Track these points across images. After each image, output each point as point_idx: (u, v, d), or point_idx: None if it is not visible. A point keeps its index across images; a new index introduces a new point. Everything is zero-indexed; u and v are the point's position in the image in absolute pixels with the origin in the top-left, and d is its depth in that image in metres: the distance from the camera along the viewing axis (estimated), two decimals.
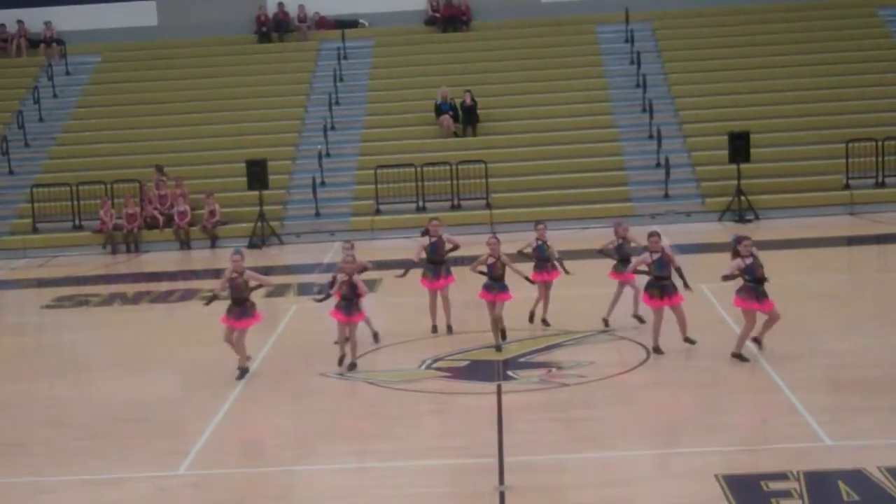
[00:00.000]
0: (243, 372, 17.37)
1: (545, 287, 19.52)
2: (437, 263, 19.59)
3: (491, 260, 18.08)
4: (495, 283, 18.11)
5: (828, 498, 11.61)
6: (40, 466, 13.98)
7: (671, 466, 12.97)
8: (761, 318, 16.94)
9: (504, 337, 18.28)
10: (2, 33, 41.26)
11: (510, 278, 18.21)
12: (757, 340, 17.29)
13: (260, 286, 17.67)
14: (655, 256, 17.35)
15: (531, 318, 19.65)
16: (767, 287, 16.81)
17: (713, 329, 18.53)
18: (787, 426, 13.99)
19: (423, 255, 19.65)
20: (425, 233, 19.82)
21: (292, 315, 20.25)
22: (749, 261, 16.84)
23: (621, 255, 19.12)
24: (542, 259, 19.43)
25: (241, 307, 17.27)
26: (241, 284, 17.26)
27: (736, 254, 16.86)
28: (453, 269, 19.81)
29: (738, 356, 16.88)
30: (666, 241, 18.29)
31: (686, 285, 17.52)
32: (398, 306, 22.19)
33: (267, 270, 24.94)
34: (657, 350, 17.41)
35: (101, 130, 36.89)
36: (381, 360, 18.30)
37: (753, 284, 16.75)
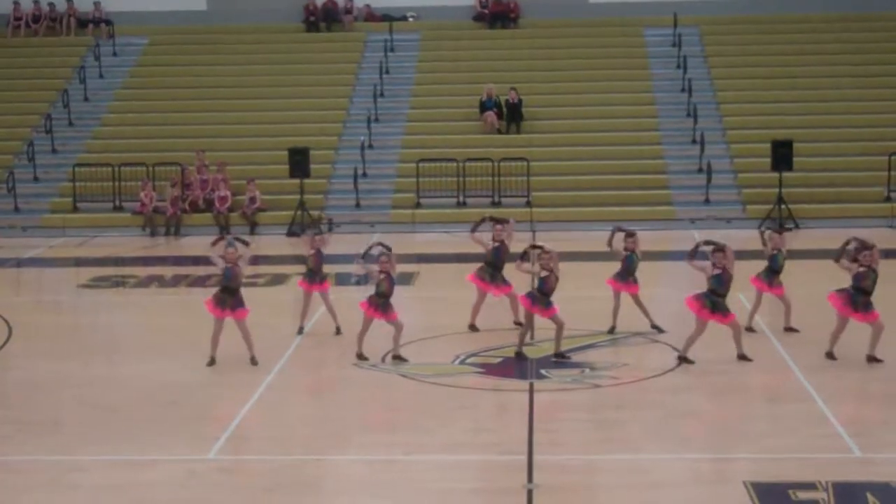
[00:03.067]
0: (253, 359, 17.54)
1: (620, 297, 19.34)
2: (497, 268, 19.51)
3: (544, 273, 17.60)
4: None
5: None
6: (72, 445, 14.10)
7: (700, 471, 12.97)
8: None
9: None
10: (52, 12, 41.49)
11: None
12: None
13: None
14: (717, 272, 17.11)
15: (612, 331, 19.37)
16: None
17: (747, 337, 18.45)
18: (817, 436, 13.97)
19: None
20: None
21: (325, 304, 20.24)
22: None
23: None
24: (627, 271, 19.14)
25: (235, 297, 17.47)
26: (239, 274, 17.48)
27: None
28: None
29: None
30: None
31: None
32: (434, 300, 22.24)
33: (302, 259, 25.05)
34: (684, 359, 17.35)
35: (145, 112, 37.04)
36: (415, 354, 18.33)
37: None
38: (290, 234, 30.81)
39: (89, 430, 14.66)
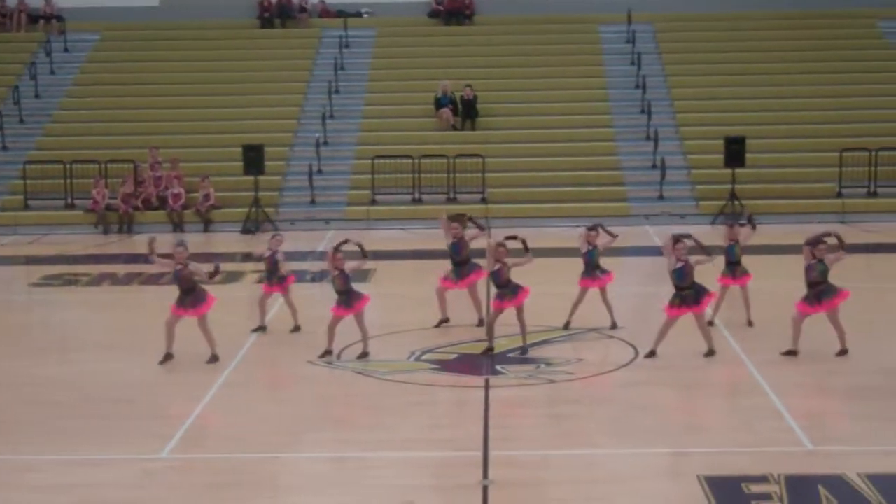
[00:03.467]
0: (214, 357, 17.48)
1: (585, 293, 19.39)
2: (460, 264, 19.54)
3: (497, 266, 17.60)
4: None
5: (808, 502, 11.66)
6: (25, 445, 13.98)
7: (654, 466, 13.01)
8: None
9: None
10: (2, 7, 41.20)
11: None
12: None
13: (200, 280, 17.72)
14: (678, 265, 17.16)
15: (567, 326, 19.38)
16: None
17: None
18: (770, 430, 14.04)
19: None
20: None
21: (283, 302, 20.20)
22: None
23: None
24: (592, 266, 19.19)
25: (192, 296, 17.42)
26: (188, 275, 17.40)
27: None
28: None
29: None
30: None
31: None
32: (390, 297, 22.21)
33: (260, 256, 24.96)
34: (653, 353, 17.40)
35: (97, 109, 36.83)
36: (371, 351, 18.30)
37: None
38: (245, 231, 30.71)
39: (42, 430, 14.53)
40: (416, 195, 32.72)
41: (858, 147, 32.55)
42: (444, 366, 17.24)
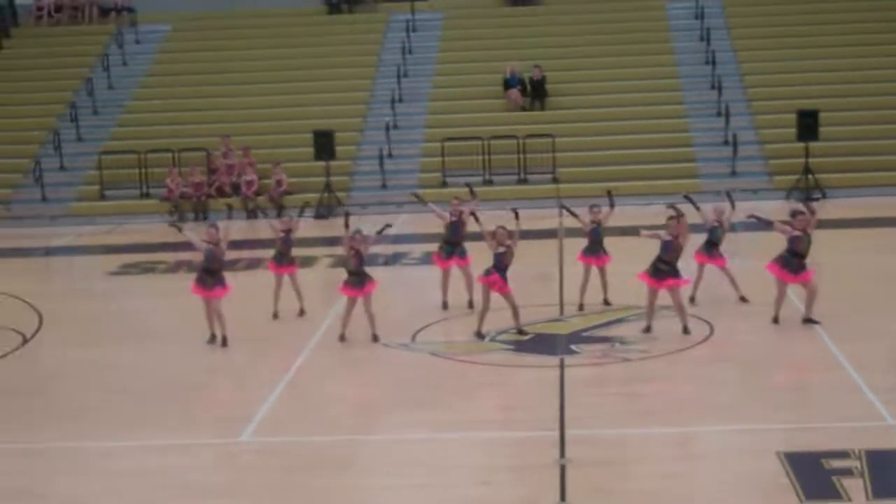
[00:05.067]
0: (224, 340, 17.76)
1: (591, 271, 19.43)
2: (453, 244, 19.65)
3: (501, 249, 17.57)
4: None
5: (889, 476, 11.57)
6: (104, 431, 14.16)
7: (733, 442, 12.95)
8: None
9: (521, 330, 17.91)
10: (74, 1, 41.59)
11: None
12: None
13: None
14: (667, 238, 17.36)
15: (581, 308, 19.43)
16: None
17: (754, 312, 18.40)
18: (849, 405, 13.92)
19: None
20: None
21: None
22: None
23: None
24: (595, 241, 19.29)
25: (214, 277, 17.71)
26: (219, 254, 17.74)
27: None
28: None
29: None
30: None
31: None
32: (463, 279, 22.20)
33: (331, 241, 25.12)
34: (647, 329, 17.55)
35: (169, 99, 37.10)
36: (445, 333, 18.37)
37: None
38: (318, 216, 30.85)
39: (120, 417, 14.71)
40: (487, 176, 32.68)
41: None
42: (519, 346, 17.25)
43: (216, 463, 12.93)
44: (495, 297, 17.49)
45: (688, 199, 19.45)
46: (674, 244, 17.32)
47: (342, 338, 17.73)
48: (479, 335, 17.67)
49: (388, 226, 18.55)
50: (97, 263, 27.37)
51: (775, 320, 17.71)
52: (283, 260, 19.53)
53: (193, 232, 18.19)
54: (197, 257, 24.14)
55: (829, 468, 11.80)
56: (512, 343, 17.40)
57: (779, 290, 17.76)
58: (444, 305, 19.77)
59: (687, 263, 18.46)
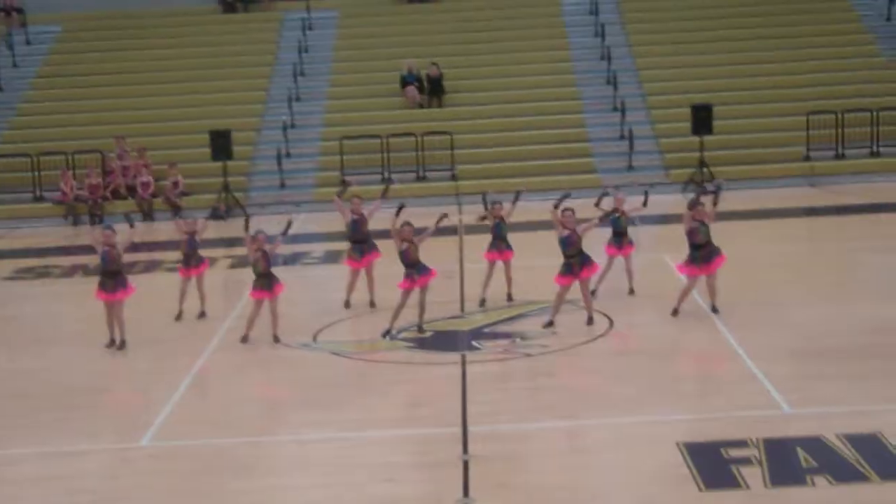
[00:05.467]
0: (123, 343, 17.62)
1: (500, 266, 19.49)
2: (360, 242, 19.65)
3: (404, 245, 17.55)
4: (413, 270, 17.56)
5: (787, 465, 11.73)
6: (3, 439, 13.94)
7: (633, 435, 13.05)
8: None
9: (421, 328, 17.88)
10: None
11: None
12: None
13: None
14: (565, 234, 17.46)
15: (482, 304, 19.50)
16: None
17: (674, 298, 18.62)
18: (746, 394, 14.12)
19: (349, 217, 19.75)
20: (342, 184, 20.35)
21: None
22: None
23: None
24: (498, 237, 19.47)
25: (114, 279, 17.56)
26: (116, 256, 17.57)
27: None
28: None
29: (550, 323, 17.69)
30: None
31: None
32: (362, 277, 22.16)
33: (231, 241, 24.97)
34: (549, 324, 17.70)
35: (61, 101, 36.61)
36: (346, 332, 18.34)
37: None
38: (214, 216, 30.63)
39: (19, 423, 14.50)
40: (386, 174, 32.65)
41: (825, 110, 32.67)
42: (420, 343, 17.26)
43: (117, 468, 12.77)
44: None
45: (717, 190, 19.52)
46: (572, 237, 17.43)
47: (245, 339, 17.61)
48: (389, 333, 17.65)
49: (291, 223, 18.44)
50: None
51: (674, 312, 17.91)
52: (190, 261, 19.36)
53: (90, 235, 18.05)
54: (93, 261, 23.90)
55: (727, 457, 11.95)
56: (413, 341, 17.41)
57: (687, 283, 18.05)
58: (347, 304, 19.73)
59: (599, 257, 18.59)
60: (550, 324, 17.66)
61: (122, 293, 17.61)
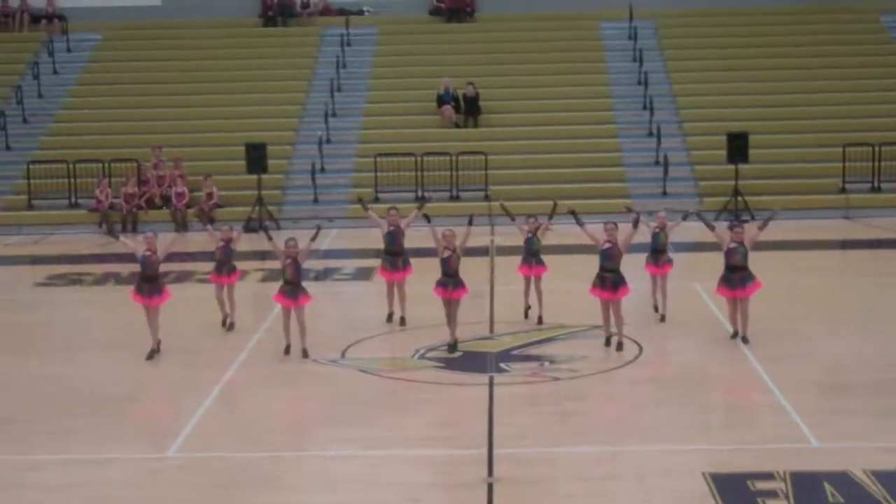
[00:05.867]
0: (153, 352, 17.75)
1: (531, 281, 19.56)
2: (394, 254, 19.66)
3: (447, 253, 17.74)
4: (450, 280, 17.76)
5: (813, 499, 11.67)
6: (28, 444, 14.00)
7: (660, 462, 13.00)
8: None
9: (455, 347, 17.90)
10: (4, 7, 41.18)
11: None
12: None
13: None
14: (606, 246, 17.57)
15: (526, 314, 19.67)
16: None
17: (705, 327, 18.59)
18: (775, 426, 14.05)
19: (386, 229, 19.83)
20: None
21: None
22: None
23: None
24: (530, 253, 19.49)
25: (152, 284, 17.72)
26: (155, 262, 17.74)
27: None
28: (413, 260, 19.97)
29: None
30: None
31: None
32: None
33: (263, 255, 25.03)
34: (608, 341, 17.85)
35: (100, 109, 36.81)
36: (375, 349, 18.34)
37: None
38: (248, 229, 30.67)
39: (46, 429, 14.55)
40: (419, 192, 32.69)
41: (862, 142, 32.51)
42: (449, 363, 17.25)
43: (142, 478, 12.80)
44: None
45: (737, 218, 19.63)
46: (613, 250, 17.45)
47: (287, 350, 17.71)
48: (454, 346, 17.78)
49: (320, 229, 18.47)
50: (24, 274, 27.06)
51: (734, 335, 17.95)
52: (223, 269, 19.43)
53: (130, 240, 18.16)
54: (125, 269, 24.03)
55: (754, 489, 11.89)
56: (441, 360, 17.40)
57: (728, 307, 18.09)
58: (390, 317, 19.77)
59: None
60: (608, 341, 17.81)
61: (157, 299, 17.74)
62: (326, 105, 35.91)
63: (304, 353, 17.56)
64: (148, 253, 17.72)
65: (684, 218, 19.76)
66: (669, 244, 19.75)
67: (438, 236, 17.74)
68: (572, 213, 18.36)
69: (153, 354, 17.71)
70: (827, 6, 40.08)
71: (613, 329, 17.75)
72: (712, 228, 18.49)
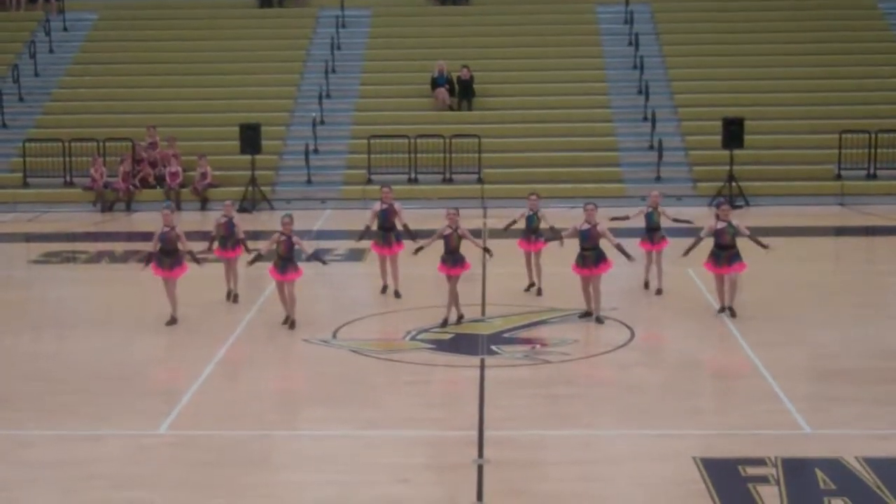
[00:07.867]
0: (174, 319, 18.33)
1: (531, 256, 20.06)
2: (387, 230, 20.10)
3: (448, 231, 18.11)
4: (450, 256, 18.14)
5: (804, 485, 11.66)
6: (21, 420, 14.00)
7: (650, 447, 13.00)
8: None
9: (460, 319, 18.27)
10: None
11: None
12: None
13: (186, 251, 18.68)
14: (584, 227, 18.03)
15: (529, 289, 20.19)
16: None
17: (697, 312, 18.59)
18: (767, 412, 14.05)
19: (376, 221, 20.26)
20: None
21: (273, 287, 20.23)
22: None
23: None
24: (530, 229, 19.78)
25: (172, 258, 18.36)
26: (174, 237, 18.38)
27: None
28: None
29: None
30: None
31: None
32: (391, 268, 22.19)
33: (256, 235, 24.98)
34: (584, 314, 18.34)
35: (96, 88, 36.79)
36: (367, 330, 18.34)
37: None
38: (241, 209, 30.68)
39: (38, 406, 14.55)
40: (412, 175, 32.68)
41: (858, 129, 32.53)
42: (440, 345, 17.25)
43: (134, 454, 12.79)
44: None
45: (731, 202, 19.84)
46: (591, 232, 17.93)
47: (285, 321, 18.15)
48: (445, 322, 18.05)
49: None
50: (19, 251, 27.04)
51: (721, 310, 18.34)
52: (227, 243, 19.77)
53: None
54: (118, 248, 24.11)
55: (745, 475, 11.88)
56: (433, 342, 17.40)
57: (715, 282, 18.47)
58: (384, 289, 20.28)
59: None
60: (586, 314, 18.23)
61: (178, 270, 18.42)
62: (321, 86, 35.88)
63: (292, 324, 17.92)
64: (167, 229, 18.36)
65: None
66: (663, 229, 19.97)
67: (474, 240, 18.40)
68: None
69: (174, 321, 18.28)
70: None
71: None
72: (700, 240, 18.60)
